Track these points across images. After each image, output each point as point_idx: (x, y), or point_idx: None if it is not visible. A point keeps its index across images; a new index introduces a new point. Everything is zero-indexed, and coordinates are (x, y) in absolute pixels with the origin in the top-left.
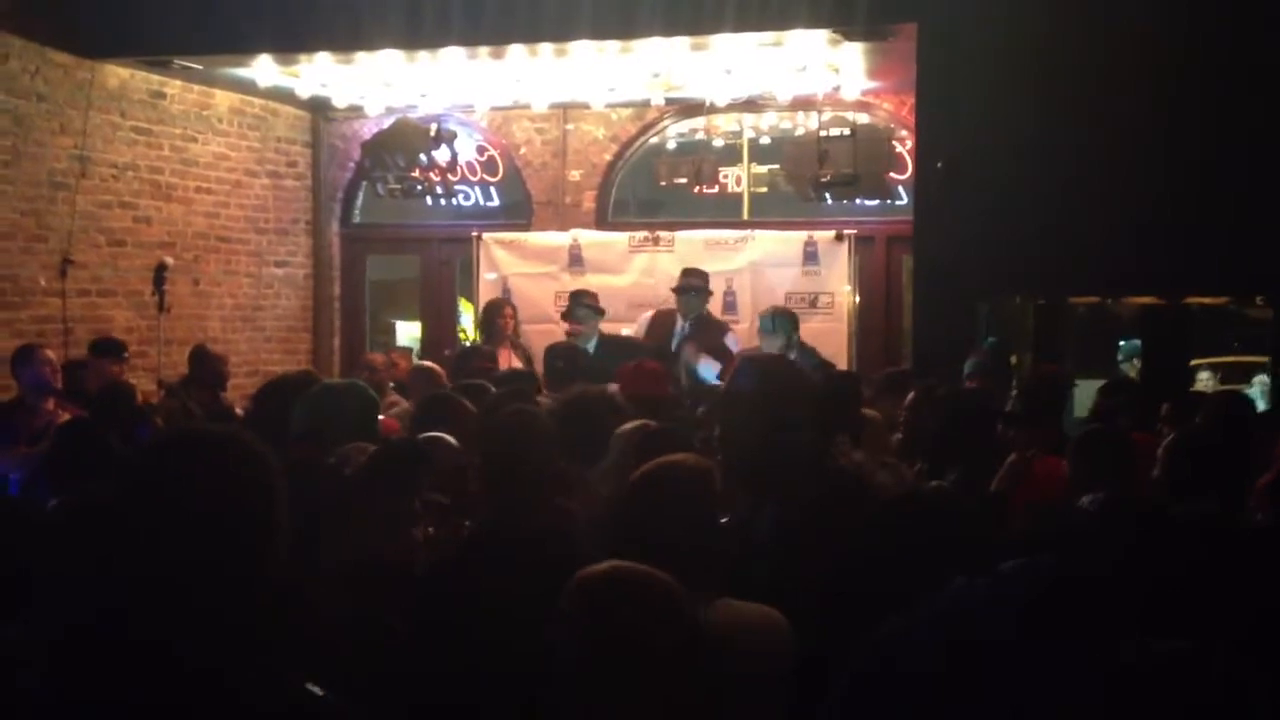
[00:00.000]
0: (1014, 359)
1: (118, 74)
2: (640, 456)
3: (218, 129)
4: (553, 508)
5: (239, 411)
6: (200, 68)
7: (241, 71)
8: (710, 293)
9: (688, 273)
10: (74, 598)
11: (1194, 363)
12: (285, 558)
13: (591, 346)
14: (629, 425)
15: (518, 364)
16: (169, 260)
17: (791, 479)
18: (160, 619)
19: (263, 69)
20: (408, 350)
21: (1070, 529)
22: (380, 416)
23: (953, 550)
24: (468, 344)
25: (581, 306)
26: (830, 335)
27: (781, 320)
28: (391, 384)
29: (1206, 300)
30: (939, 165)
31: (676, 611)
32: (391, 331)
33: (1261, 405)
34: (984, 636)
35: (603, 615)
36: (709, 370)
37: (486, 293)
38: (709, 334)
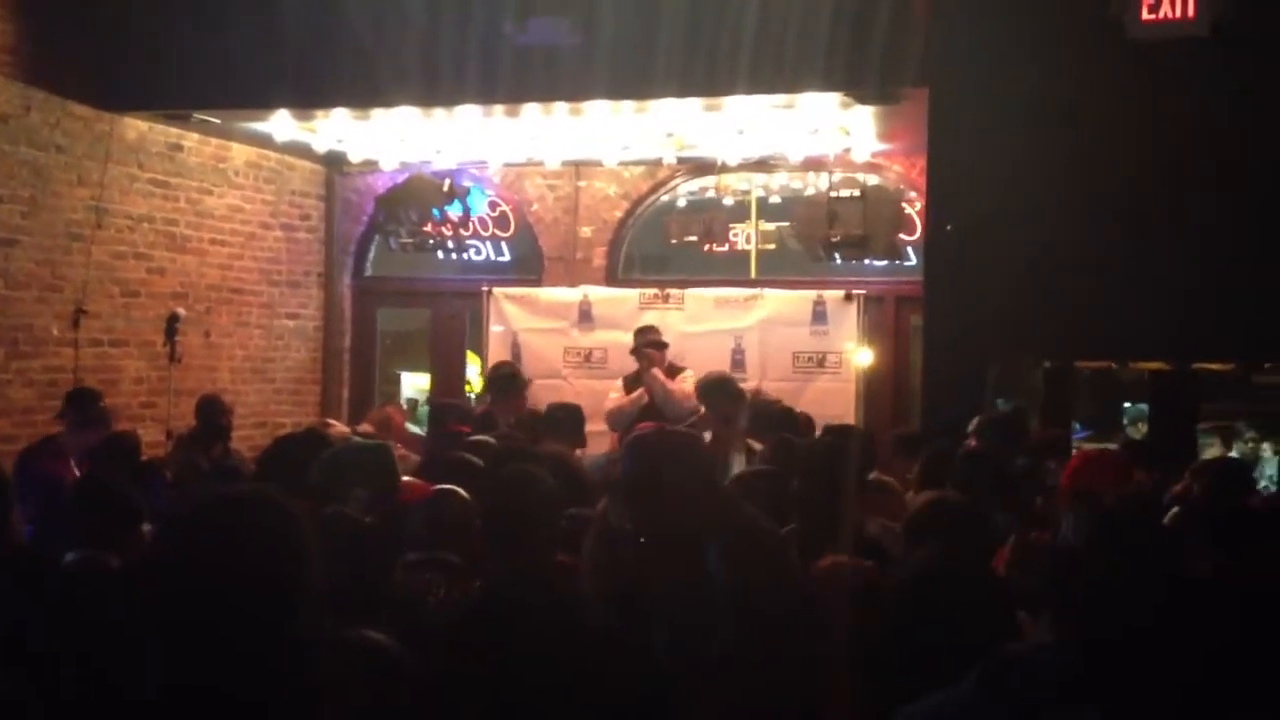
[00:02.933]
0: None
1: (136, 126)
2: None
3: (233, 182)
4: (554, 567)
5: (245, 462)
6: (218, 121)
7: (259, 125)
8: (666, 345)
9: (640, 331)
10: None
11: (1201, 427)
12: (319, 608)
13: None
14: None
15: None
16: (181, 311)
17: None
18: (204, 667)
19: (280, 123)
20: (412, 402)
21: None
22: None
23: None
24: (476, 402)
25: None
26: (838, 395)
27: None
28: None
29: (1214, 365)
30: (949, 228)
31: None
32: (397, 383)
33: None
34: None
35: None
36: None
37: (495, 347)
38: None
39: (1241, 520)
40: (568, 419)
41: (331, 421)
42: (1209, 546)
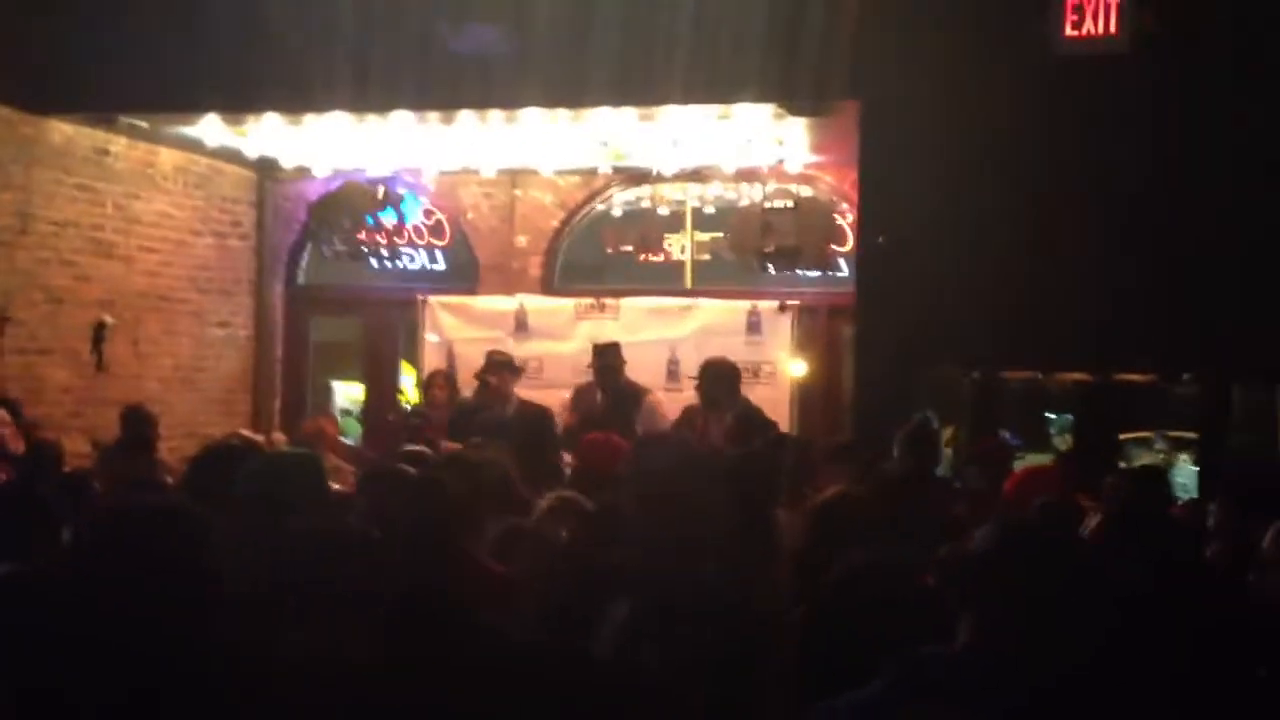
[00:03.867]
0: (950, 432)
1: (62, 130)
2: None
3: (162, 187)
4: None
5: (169, 478)
6: (146, 125)
7: (188, 130)
8: (624, 362)
9: (599, 350)
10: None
11: (1124, 437)
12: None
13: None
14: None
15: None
16: (108, 319)
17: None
18: (120, 674)
19: (210, 128)
20: (345, 413)
21: None
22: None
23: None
24: (411, 411)
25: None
26: (772, 405)
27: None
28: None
29: (1136, 377)
30: (880, 239)
31: None
32: (328, 393)
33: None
34: None
35: None
36: None
37: (430, 356)
38: (625, 408)
39: (1159, 527)
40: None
41: (245, 432)
42: (1127, 552)
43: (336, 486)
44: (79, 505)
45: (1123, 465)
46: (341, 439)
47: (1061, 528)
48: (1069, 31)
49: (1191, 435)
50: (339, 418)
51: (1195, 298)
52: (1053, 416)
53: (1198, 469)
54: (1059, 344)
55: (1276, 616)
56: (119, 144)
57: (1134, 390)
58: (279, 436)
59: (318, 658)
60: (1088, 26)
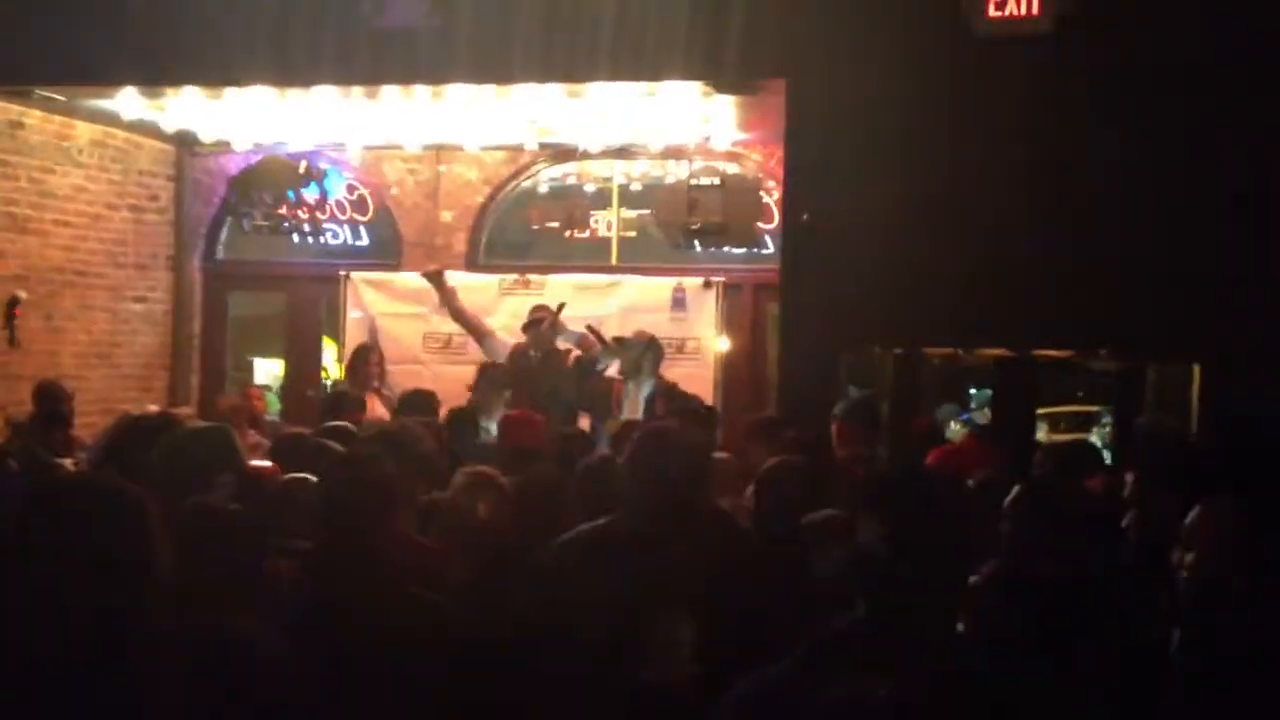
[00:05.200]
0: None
1: None
2: None
3: (77, 161)
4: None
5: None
6: (62, 98)
7: (104, 103)
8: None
9: (535, 309)
10: None
11: (1040, 412)
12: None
13: None
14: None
15: (382, 410)
16: (21, 294)
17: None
18: (49, 656)
19: (127, 101)
20: (265, 388)
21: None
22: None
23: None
24: (332, 387)
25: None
26: (697, 381)
27: (643, 344)
28: (250, 424)
29: (1053, 352)
30: (805, 217)
31: None
32: (250, 369)
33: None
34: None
35: None
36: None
37: (353, 332)
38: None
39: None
40: (423, 404)
41: (153, 407)
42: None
43: (257, 462)
44: None
45: (1041, 440)
46: (266, 415)
47: (995, 505)
48: (992, 12)
49: (1095, 410)
50: (266, 393)
51: (1113, 275)
52: (973, 391)
53: (1110, 444)
54: (979, 320)
55: (1196, 595)
56: (33, 117)
57: (1051, 365)
58: (186, 411)
59: (222, 639)
60: (1010, 8)
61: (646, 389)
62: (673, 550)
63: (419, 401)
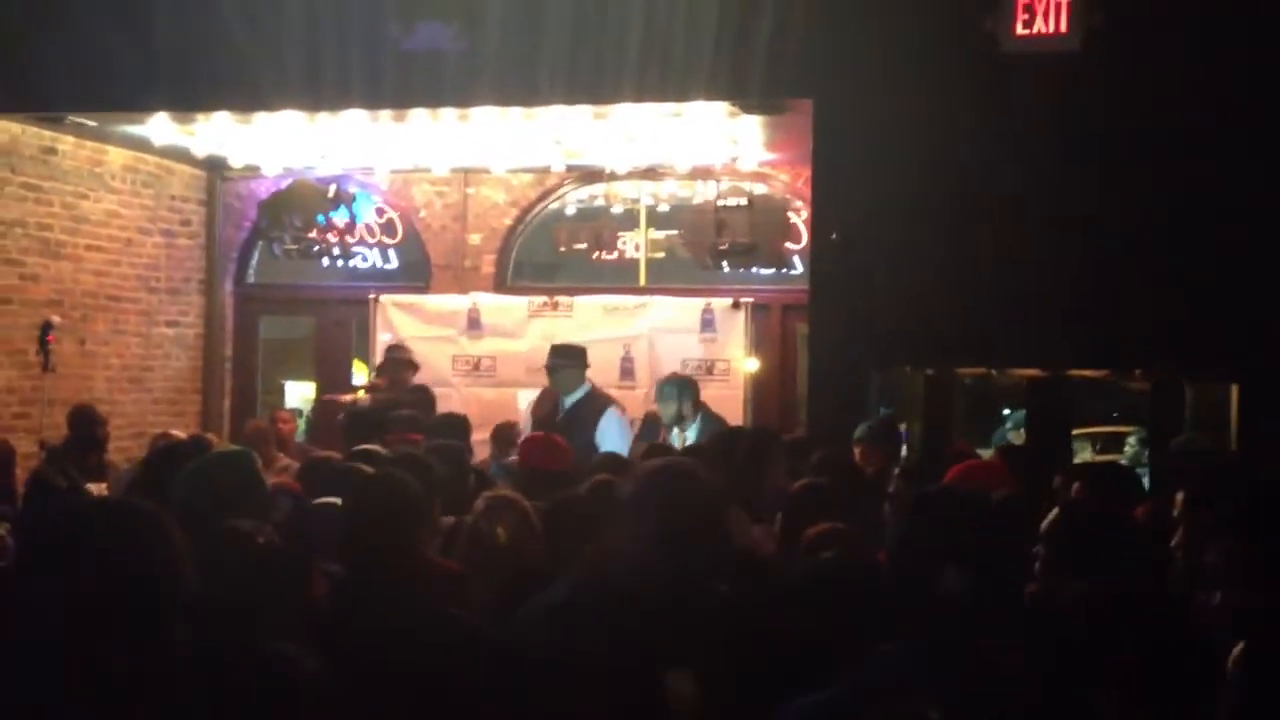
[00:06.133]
0: (903, 427)
1: (8, 129)
2: None
3: (110, 186)
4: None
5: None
6: (94, 124)
7: (136, 129)
8: (587, 365)
9: (555, 350)
10: None
11: (1075, 432)
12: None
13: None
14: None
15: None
16: (55, 319)
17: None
18: (75, 677)
19: (158, 127)
20: (295, 411)
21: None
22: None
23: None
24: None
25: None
26: (726, 402)
27: (673, 388)
28: (279, 447)
29: (1088, 373)
30: (833, 237)
31: None
32: (281, 392)
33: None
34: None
35: None
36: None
37: (382, 354)
38: (584, 414)
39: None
40: (456, 427)
41: (174, 432)
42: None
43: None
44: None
45: (1079, 461)
46: (296, 438)
47: (1015, 523)
48: (1020, 30)
49: (1130, 430)
50: (296, 417)
51: (1148, 294)
52: (1008, 412)
53: (1143, 464)
54: (1012, 340)
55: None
56: (66, 143)
57: (1086, 386)
58: (212, 437)
59: (258, 660)
60: (1039, 25)
61: (696, 424)
62: (675, 599)
63: (451, 424)
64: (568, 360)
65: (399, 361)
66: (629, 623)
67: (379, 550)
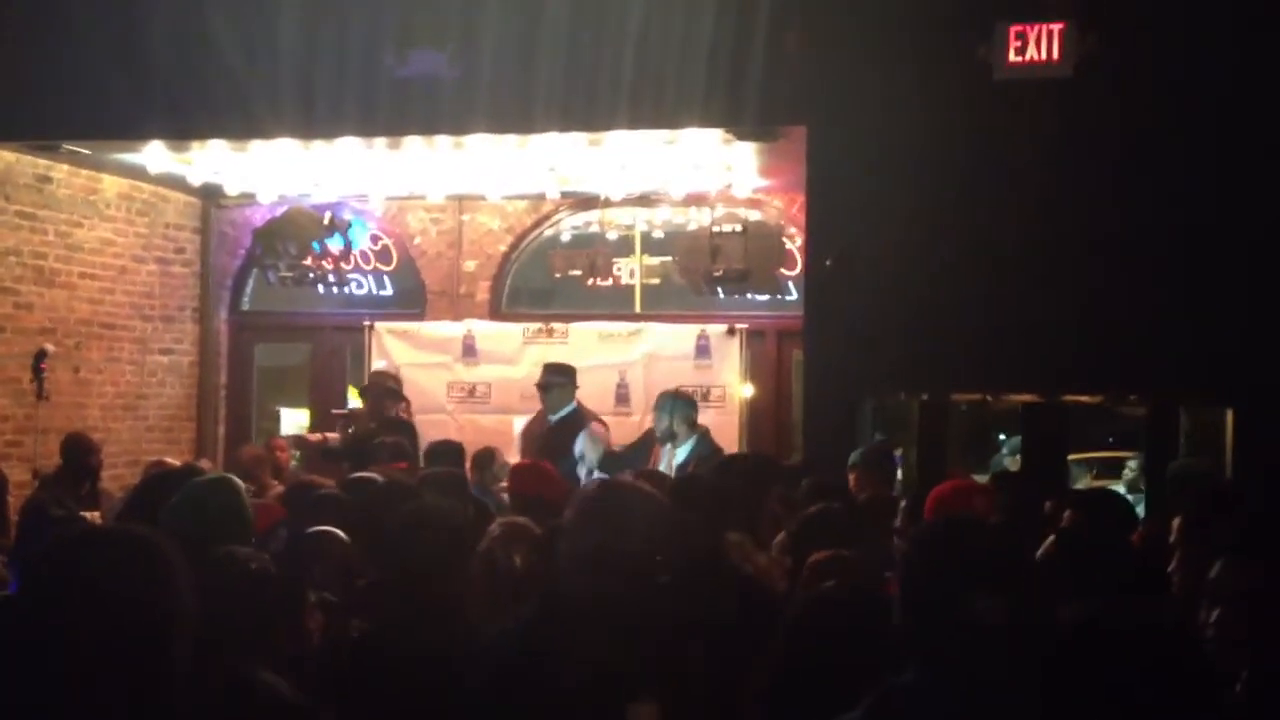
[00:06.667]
0: (898, 453)
1: (3, 157)
2: None
3: (105, 214)
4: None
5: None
6: (89, 153)
7: (131, 157)
8: (576, 386)
9: (550, 368)
10: None
11: (1073, 457)
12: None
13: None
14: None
15: None
16: (49, 347)
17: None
18: (75, 705)
19: (153, 155)
20: (284, 442)
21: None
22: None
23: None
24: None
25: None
26: (722, 428)
27: (666, 401)
28: (274, 475)
29: (1083, 398)
30: (828, 263)
31: None
32: (276, 419)
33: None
34: None
35: None
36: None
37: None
38: (566, 431)
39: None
40: (450, 454)
41: (167, 459)
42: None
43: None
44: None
45: (1077, 486)
46: (292, 464)
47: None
48: (1013, 58)
49: (1127, 455)
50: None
51: (1142, 319)
52: (1003, 437)
53: (1138, 489)
54: (1006, 365)
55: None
56: (61, 171)
57: (1081, 411)
58: (206, 464)
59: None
60: (1031, 53)
61: (689, 444)
62: (624, 625)
63: (446, 451)
64: (562, 377)
65: (382, 390)
66: (581, 651)
67: (421, 575)
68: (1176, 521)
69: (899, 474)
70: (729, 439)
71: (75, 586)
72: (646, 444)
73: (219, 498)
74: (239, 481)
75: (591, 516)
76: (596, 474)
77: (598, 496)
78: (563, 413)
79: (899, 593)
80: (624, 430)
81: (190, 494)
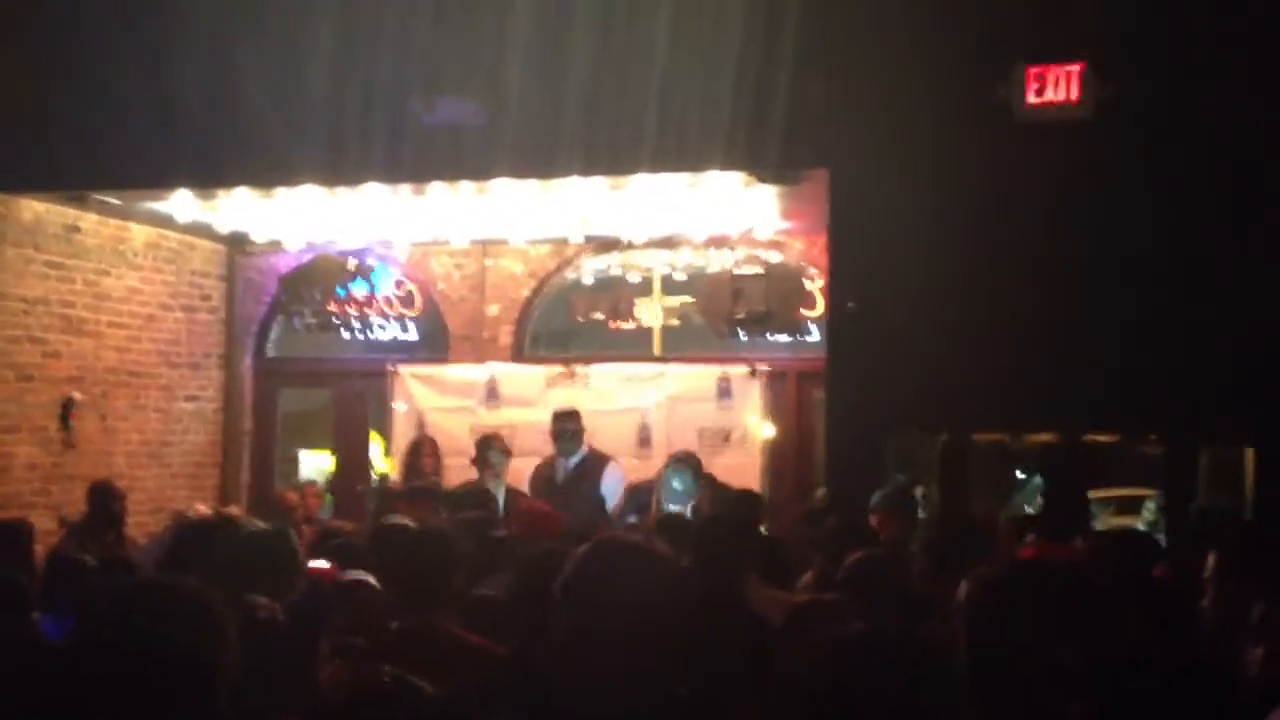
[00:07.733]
0: (919, 492)
1: (32, 208)
2: None
3: (132, 263)
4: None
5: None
6: (118, 202)
7: (159, 206)
8: (584, 430)
9: (558, 416)
10: None
11: (1093, 495)
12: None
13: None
14: None
15: None
16: (77, 396)
17: None
18: None
19: (181, 203)
20: (314, 483)
21: None
22: (312, 563)
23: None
24: (380, 482)
25: (493, 450)
26: (743, 470)
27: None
28: (305, 520)
29: (1102, 437)
30: (849, 305)
31: None
32: (295, 462)
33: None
34: None
35: None
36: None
37: (400, 426)
38: (590, 471)
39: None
40: (477, 499)
41: (200, 506)
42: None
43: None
44: (71, 586)
45: (1098, 527)
46: (320, 513)
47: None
48: (1032, 99)
49: (1147, 494)
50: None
51: (1162, 358)
52: (1022, 476)
53: (1158, 528)
54: (1027, 406)
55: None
56: (90, 220)
57: (1100, 449)
58: (234, 510)
59: None
60: (1050, 94)
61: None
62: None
63: (474, 497)
64: (576, 424)
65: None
66: None
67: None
68: (1211, 558)
69: (921, 513)
70: (751, 480)
71: (132, 637)
72: (638, 498)
73: (272, 551)
74: (292, 534)
75: (588, 581)
76: (630, 519)
77: (594, 556)
78: (578, 456)
79: (964, 639)
80: (646, 473)
81: (248, 544)
